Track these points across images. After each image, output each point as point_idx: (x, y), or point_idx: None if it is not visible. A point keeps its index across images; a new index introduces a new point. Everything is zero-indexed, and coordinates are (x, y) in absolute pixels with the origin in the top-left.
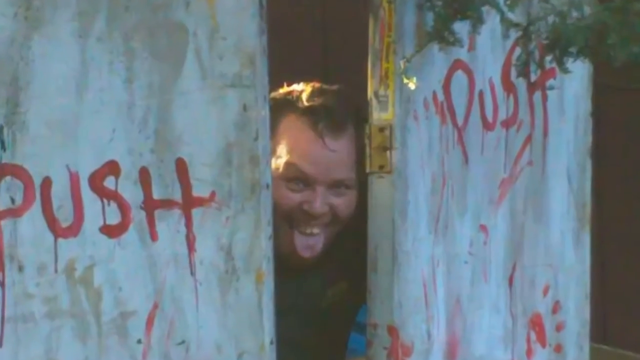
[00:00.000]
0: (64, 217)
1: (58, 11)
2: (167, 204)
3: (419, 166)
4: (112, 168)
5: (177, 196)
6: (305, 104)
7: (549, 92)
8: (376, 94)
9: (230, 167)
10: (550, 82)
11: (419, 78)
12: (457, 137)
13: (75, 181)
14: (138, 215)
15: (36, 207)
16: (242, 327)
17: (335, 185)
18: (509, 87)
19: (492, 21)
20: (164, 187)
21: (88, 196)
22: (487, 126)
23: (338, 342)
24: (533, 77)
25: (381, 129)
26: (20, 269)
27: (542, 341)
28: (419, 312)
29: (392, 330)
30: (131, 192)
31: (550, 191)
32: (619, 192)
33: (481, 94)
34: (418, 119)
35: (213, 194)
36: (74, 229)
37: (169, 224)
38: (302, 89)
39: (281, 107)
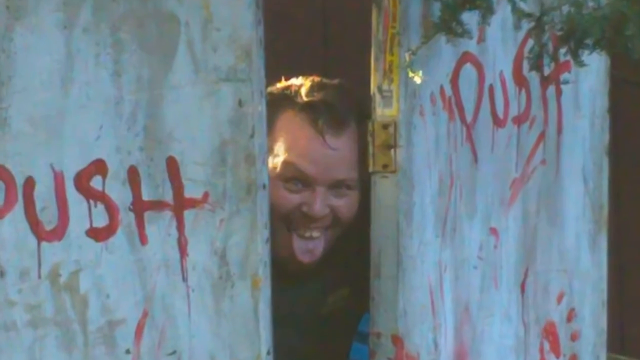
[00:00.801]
0: (48, 219)
1: (42, 1)
2: (157, 205)
3: (425, 165)
4: (99, 167)
5: (168, 197)
6: (305, 99)
7: (563, 87)
8: (380, 89)
9: (224, 166)
10: (564, 76)
11: (425, 72)
12: (465, 134)
13: (60, 181)
14: (126, 218)
15: (18, 208)
16: (237, 337)
17: (336, 186)
18: (520, 81)
19: (502, 11)
20: (154, 188)
21: (73, 197)
22: (498, 123)
23: (339, 352)
24: (546, 71)
25: (385, 126)
26: (2, 274)
27: (556, 351)
28: (425, 320)
29: (397, 340)
30: (119, 193)
31: (565, 192)
32: (637, 193)
33: (491, 88)
34: (424, 115)
35: (206, 194)
36: (59, 232)
37: (160, 227)
38: (301, 84)
39: (279, 103)
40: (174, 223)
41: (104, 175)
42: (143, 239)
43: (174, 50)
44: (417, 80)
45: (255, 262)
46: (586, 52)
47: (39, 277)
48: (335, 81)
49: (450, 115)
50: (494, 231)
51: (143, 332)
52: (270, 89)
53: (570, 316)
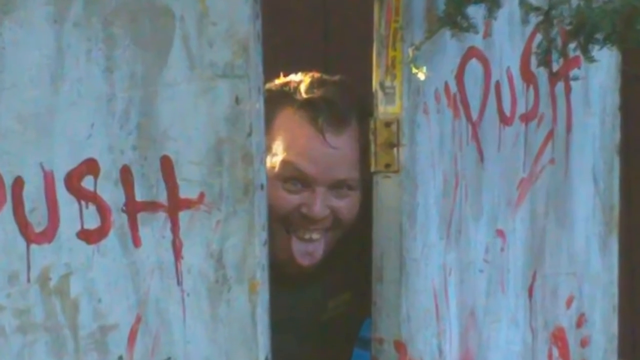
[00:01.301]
0: (38, 221)
1: None
2: (151, 206)
3: (429, 165)
4: (90, 167)
5: (162, 198)
6: (304, 96)
7: (572, 83)
8: (382, 85)
9: (220, 165)
10: (574, 72)
11: (429, 68)
12: (471, 132)
13: (50, 181)
14: (119, 219)
15: (7, 210)
16: (234, 343)
17: (337, 186)
18: (528, 77)
19: (509, 5)
20: (148, 188)
21: (64, 198)
22: (505, 121)
23: (340, 358)
24: (555, 67)
25: (387, 124)
26: None
27: (566, 357)
28: (429, 325)
29: (400, 346)
30: (111, 194)
31: (574, 192)
32: None
33: (498, 85)
34: (428, 113)
35: (202, 195)
36: (49, 234)
37: (154, 229)
38: (301, 80)
39: (277, 100)
40: (169, 225)
41: (96, 175)
42: (136, 241)
43: (168, 45)
44: (421, 76)
45: (253, 265)
46: (596, 47)
47: (28, 280)
48: (336, 77)
49: (455, 112)
50: (500, 233)
51: (136, 338)
52: (268, 85)
53: (580, 321)
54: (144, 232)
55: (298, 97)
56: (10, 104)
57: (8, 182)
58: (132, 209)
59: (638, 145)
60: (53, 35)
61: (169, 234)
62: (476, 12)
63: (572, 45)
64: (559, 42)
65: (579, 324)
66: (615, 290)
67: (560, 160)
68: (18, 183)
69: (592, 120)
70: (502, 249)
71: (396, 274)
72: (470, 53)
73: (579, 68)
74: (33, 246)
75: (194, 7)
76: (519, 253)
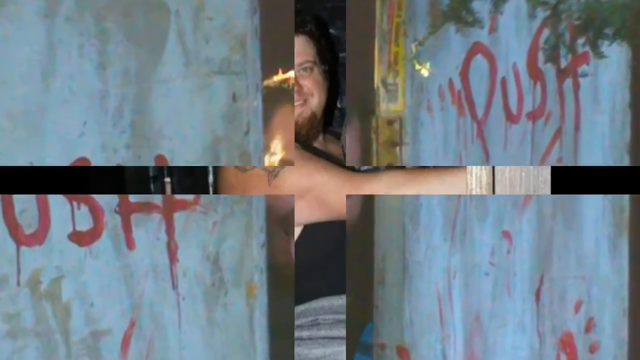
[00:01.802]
0: (28, 222)
1: None
2: (145, 207)
3: (433, 164)
4: None
5: (157, 198)
6: None
7: (581, 80)
8: (384, 82)
9: (217, 165)
10: (582, 68)
11: (432, 64)
12: (476, 130)
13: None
14: (112, 220)
15: None
16: (231, 347)
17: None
18: (535, 74)
19: None
20: None
21: (55, 198)
22: (511, 118)
23: None
24: (563, 63)
25: (390, 122)
26: None
27: None
28: (432, 330)
29: (402, 352)
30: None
31: None
32: None
33: (504, 81)
34: (432, 111)
35: (198, 196)
36: (39, 236)
37: (148, 230)
38: None
39: (276, 97)
40: (163, 226)
41: None
42: (130, 243)
43: (163, 40)
44: (424, 73)
45: (251, 268)
46: (606, 42)
47: (18, 284)
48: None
49: (459, 110)
50: (506, 235)
51: (130, 343)
52: (266, 82)
53: (589, 326)
54: (138, 233)
55: None
56: (0, 102)
57: None
58: (125, 210)
59: None
60: (44, 30)
61: (163, 236)
62: (481, 7)
63: (580, 41)
64: (567, 37)
65: (587, 329)
66: (625, 293)
67: (568, 159)
68: None
69: (602, 118)
70: (508, 251)
71: (399, 276)
72: (476, 49)
73: (587, 64)
74: (23, 248)
75: (189, 1)
76: (526, 255)
